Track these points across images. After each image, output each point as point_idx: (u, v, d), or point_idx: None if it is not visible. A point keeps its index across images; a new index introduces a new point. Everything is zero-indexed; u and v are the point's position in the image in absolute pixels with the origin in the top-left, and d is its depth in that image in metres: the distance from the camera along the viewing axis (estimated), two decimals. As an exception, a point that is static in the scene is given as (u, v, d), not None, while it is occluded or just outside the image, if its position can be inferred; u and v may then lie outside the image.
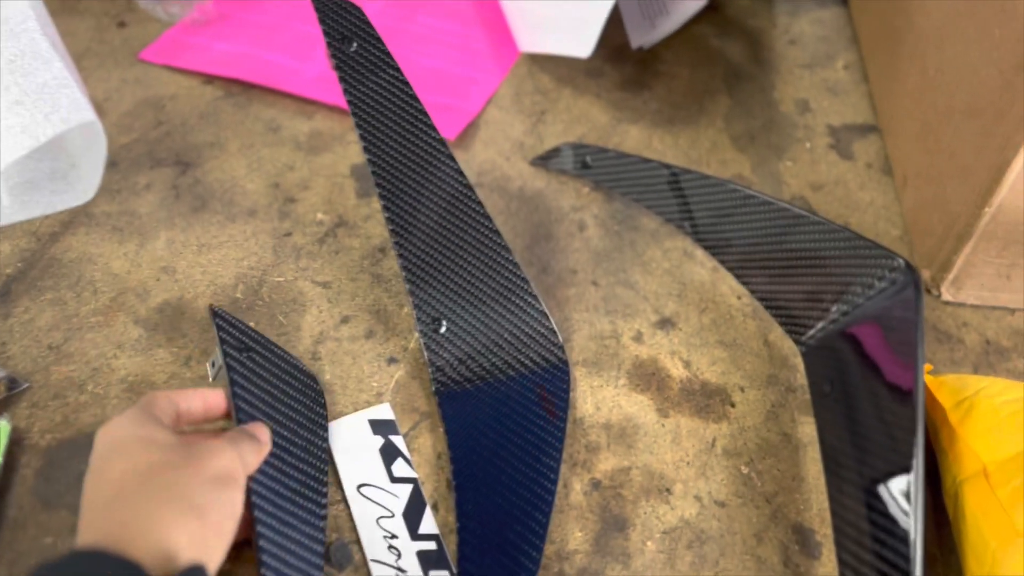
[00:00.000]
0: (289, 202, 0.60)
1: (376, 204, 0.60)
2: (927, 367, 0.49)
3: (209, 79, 0.69)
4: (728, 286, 0.56)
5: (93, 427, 0.48)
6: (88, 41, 0.71)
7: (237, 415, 0.43)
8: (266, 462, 0.42)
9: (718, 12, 0.78)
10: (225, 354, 0.45)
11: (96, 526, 0.34)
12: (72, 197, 0.59)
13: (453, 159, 0.52)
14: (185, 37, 0.72)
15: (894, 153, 0.64)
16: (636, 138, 0.66)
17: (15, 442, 0.47)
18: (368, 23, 0.52)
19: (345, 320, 0.54)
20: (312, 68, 0.70)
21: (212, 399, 0.43)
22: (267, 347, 0.48)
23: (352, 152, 0.64)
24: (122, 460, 0.36)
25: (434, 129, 0.52)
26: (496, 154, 0.65)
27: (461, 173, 0.52)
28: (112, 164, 0.61)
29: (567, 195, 0.62)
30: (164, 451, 0.37)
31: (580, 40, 0.63)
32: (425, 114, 0.52)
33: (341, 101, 0.66)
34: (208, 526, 0.35)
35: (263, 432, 0.42)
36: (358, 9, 0.52)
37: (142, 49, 0.71)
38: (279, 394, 0.45)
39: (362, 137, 0.51)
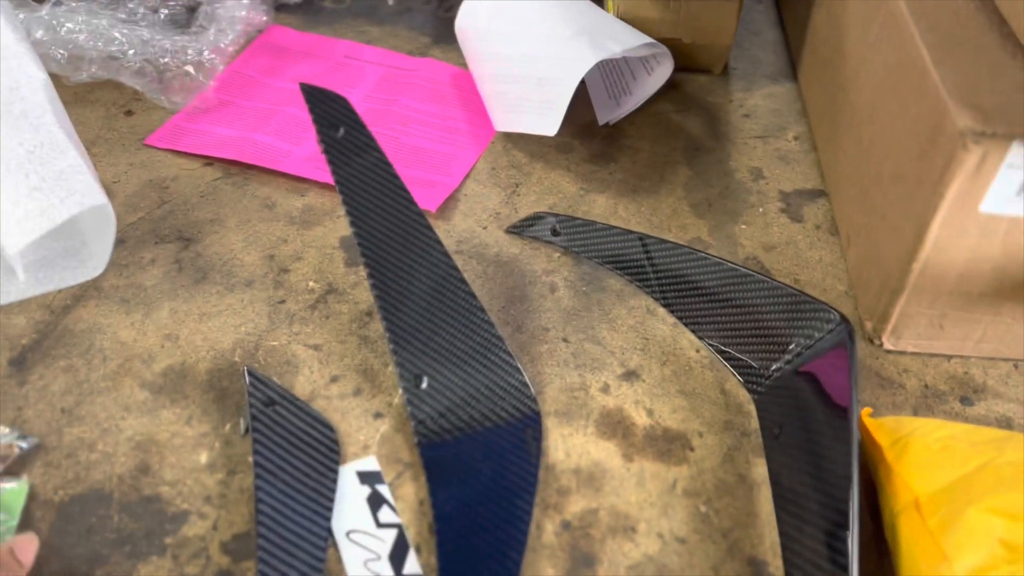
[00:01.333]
0: (283, 272, 0.66)
1: (363, 272, 0.65)
2: (867, 410, 0.54)
3: (209, 161, 0.75)
4: (687, 340, 0.61)
5: (102, 483, 0.52)
6: (98, 129, 0.77)
7: (256, 460, 0.49)
8: (276, 503, 0.47)
9: (678, 90, 0.84)
10: (251, 406, 0.51)
11: None
12: (83, 273, 0.64)
13: (432, 229, 0.58)
14: (187, 123, 0.78)
15: (839, 215, 0.70)
16: (603, 206, 0.72)
17: (31, 498, 0.51)
18: (352, 111, 0.58)
19: (335, 379, 0.58)
20: (303, 150, 0.76)
21: None
22: (293, 403, 0.54)
23: (341, 225, 0.70)
24: None
25: (414, 203, 0.58)
26: (474, 224, 0.70)
27: (439, 242, 0.58)
28: (120, 241, 0.66)
29: (539, 260, 0.67)
30: None
31: (546, 120, 0.69)
32: (405, 190, 0.58)
33: (325, 176, 0.72)
34: None
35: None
36: (343, 99, 0.58)
37: (147, 135, 0.77)
38: (297, 442, 0.52)
39: (348, 212, 0.57)
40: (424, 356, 0.56)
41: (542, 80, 0.71)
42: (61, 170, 0.60)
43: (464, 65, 0.86)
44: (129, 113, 0.79)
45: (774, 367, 0.56)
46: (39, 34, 0.76)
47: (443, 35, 0.91)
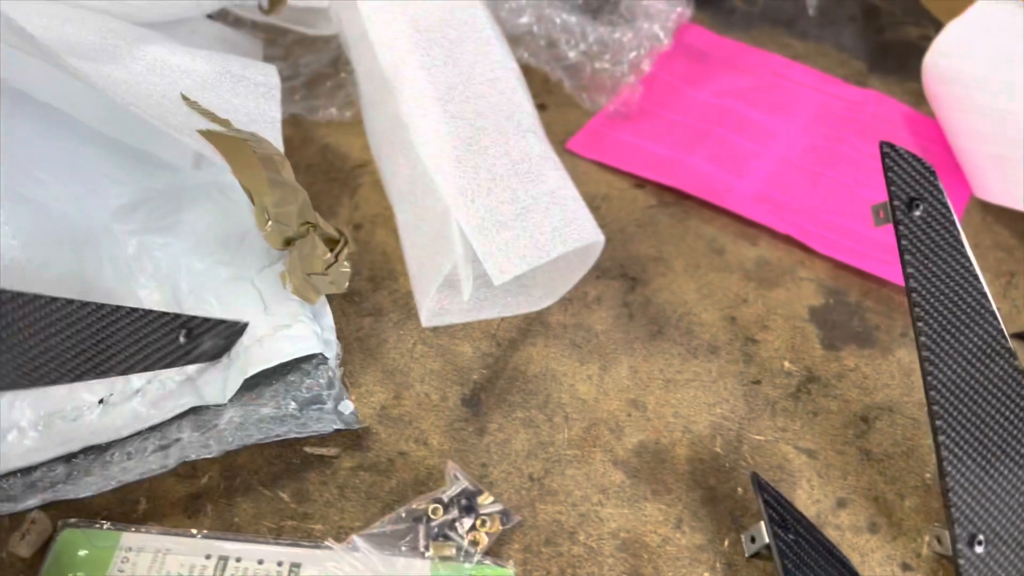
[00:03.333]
0: (750, 342, 0.56)
1: (848, 362, 0.55)
2: None
3: (639, 182, 0.65)
4: None
5: (593, 589, 0.44)
6: (514, 122, 0.69)
7: None
8: None
9: None
10: (774, 535, 0.42)
11: None
12: (527, 303, 0.56)
13: (1016, 357, 0.46)
14: (608, 130, 0.69)
15: None
16: None
17: (519, 594, 0.43)
18: (939, 187, 0.47)
19: (841, 504, 0.48)
20: (747, 185, 0.65)
21: None
22: (811, 531, 0.44)
23: (806, 291, 0.59)
24: None
25: (995, 317, 0.46)
26: (967, 319, 0.58)
27: (1020, 370, 0.46)
28: (560, 268, 0.58)
29: (1063, 386, 0.54)
30: None
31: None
32: (986, 296, 0.47)
33: (784, 227, 0.62)
34: None
35: None
36: (931, 169, 0.47)
37: (562, 135, 0.68)
38: None
39: (916, 316, 0.46)
40: (983, 511, 0.45)
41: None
42: (551, 191, 0.52)
43: (912, 103, 0.73)
44: (542, 107, 0.71)
45: None
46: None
47: (880, 62, 0.78)
